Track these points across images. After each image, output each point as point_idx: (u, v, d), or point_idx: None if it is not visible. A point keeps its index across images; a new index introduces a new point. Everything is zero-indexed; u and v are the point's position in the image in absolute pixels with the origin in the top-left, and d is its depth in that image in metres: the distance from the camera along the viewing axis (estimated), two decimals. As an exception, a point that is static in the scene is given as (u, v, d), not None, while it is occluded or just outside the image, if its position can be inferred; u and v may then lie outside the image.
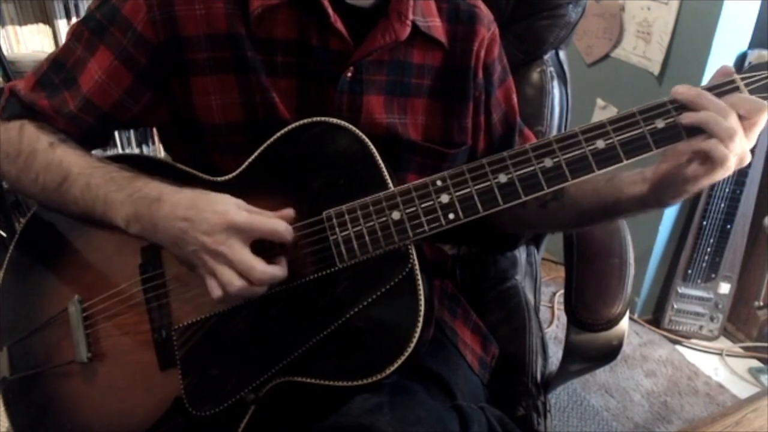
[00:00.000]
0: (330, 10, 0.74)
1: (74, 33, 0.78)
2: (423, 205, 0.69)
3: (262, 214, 0.69)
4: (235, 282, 0.65)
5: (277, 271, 0.67)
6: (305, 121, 0.74)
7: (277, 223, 0.67)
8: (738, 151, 0.65)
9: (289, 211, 0.70)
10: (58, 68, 0.78)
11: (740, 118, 0.65)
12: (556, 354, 1.34)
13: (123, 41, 0.74)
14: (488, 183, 0.69)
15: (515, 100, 0.92)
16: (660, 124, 0.66)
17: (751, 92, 0.66)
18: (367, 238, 0.69)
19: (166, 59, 0.75)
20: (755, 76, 0.66)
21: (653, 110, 0.67)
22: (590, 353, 0.95)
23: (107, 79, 0.76)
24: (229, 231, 0.65)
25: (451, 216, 0.69)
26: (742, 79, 0.66)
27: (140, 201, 0.68)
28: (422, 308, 0.68)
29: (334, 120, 0.73)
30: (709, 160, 0.65)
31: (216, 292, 0.67)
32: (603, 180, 0.78)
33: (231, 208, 0.66)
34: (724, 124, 0.63)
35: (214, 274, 0.66)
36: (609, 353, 0.94)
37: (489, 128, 0.89)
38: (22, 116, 0.77)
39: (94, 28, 0.76)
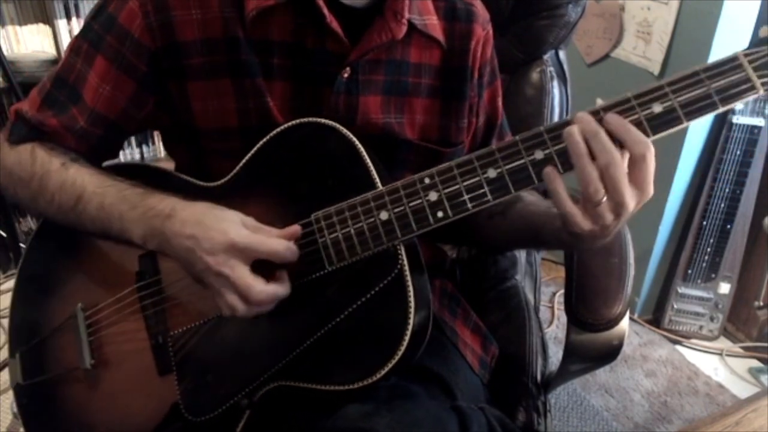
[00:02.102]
0: (326, 11, 0.73)
1: (73, 48, 0.78)
2: (411, 204, 0.67)
3: (266, 232, 0.68)
4: (238, 304, 0.65)
5: (277, 289, 0.67)
6: (295, 122, 0.73)
7: (277, 243, 0.66)
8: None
9: (295, 228, 0.69)
10: (61, 85, 0.78)
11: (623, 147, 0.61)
12: (556, 354, 1.34)
13: (122, 49, 0.74)
14: (477, 178, 0.66)
15: (500, 102, 0.92)
16: (657, 108, 0.63)
17: (755, 69, 0.61)
18: (355, 239, 0.68)
19: (164, 65, 0.75)
20: (760, 51, 0.62)
21: (648, 94, 0.63)
22: (590, 353, 0.95)
23: (111, 89, 0.76)
24: (229, 251, 0.64)
25: (440, 214, 0.67)
26: (746, 55, 0.62)
27: (154, 219, 0.68)
28: (412, 309, 0.67)
29: (323, 120, 0.73)
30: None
31: (225, 312, 0.67)
32: (543, 206, 0.77)
33: (233, 226, 0.66)
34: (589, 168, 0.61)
35: (219, 295, 0.66)
36: (609, 353, 0.93)
37: (475, 130, 0.89)
38: (30, 138, 0.77)
39: (93, 40, 0.76)
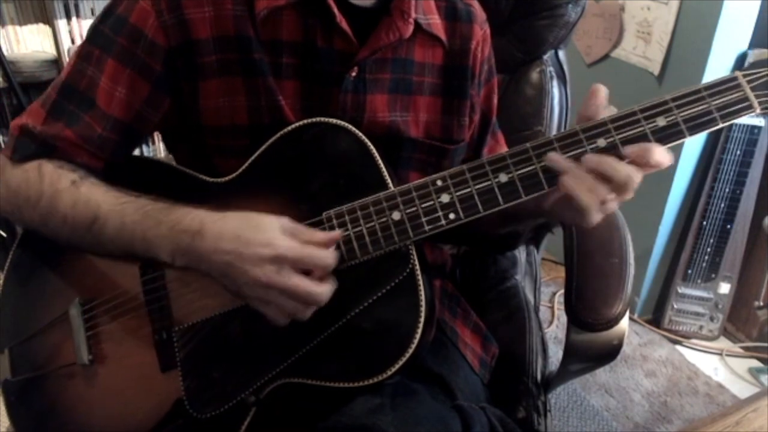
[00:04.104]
0: (336, 10, 0.73)
1: (81, 54, 0.75)
2: (423, 205, 0.69)
3: (307, 235, 0.66)
4: (302, 310, 0.65)
5: (331, 285, 0.66)
6: (305, 121, 0.74)
7: (327, 256, 0.65)
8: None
9: (336, 234, 0.68)
10: (69, 94, 0.75)
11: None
12: (556, 354, 1.34)
13: (135, 50, 0.73)
14: (489, 182, 0.68)
15: (495, 101, 0.93)
16: (661, 122, 0.66)
17: (753, 89, 0.66)
18: (367, 238, 0.69)
19: (179, 63, 0.74)
20: (757, 73, 0.66)
21: (653, 108, 0.67)
22: (590, 353, 0.94)
23: (125, 92, 0.73)
24: (277, 262, 0.63)
25: (452, 216, 0.69)
26: (744, 76, 0.66)
27: (182, 235, 0.65)
28: (423, 308, 0.68)
29: (334, 120, 0.73)
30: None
31: (281, 321, 0.66)
32: None
33: (276, 236, 0.64)
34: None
35: (274, 304, 0.65)
36: (609, 353, 0.93)
37: (473, 127, 0.90)
38: (37, 155, 0.73)
39: (103, 44, 0.74)
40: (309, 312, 0.66)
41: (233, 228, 0.64)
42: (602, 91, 0.68)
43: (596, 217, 0.67)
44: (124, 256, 0.71)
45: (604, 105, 0.68)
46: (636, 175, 0.64)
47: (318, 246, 0.65)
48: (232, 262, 0.63)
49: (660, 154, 0.65)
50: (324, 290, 0.65)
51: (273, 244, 0.63)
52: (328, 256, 0.65)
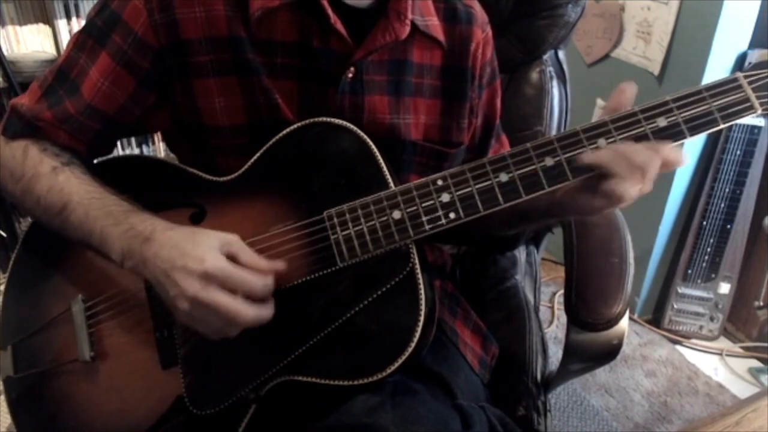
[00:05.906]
0: (330, 11, 0.74)
1: (76, 42, 0.78)
2: (424, 205, 0.69)
3: (248, 262, 0.66)
4: (227, 328, 0.66)
5: (262, 311, 0.66)
6: (307, 121, 0.74)
7: (254, 281, 0.66)
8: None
9: (280, 265, 0.69)
10: (62, 79, 0.78)
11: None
12: (556, 354, 1.34)
13: (124, 46, 0.74)
14: (489, 182, 0.69)
15: (498, 104, 0.93)
16: (662, 122, 0.66)
17: (754, 90, 0.66)
18: (367, 237, 0.69)
19: (168, 63, 0.75)
20: (758, 74, 0.66)
21: (653, 109, 0.67)
22: (590, 353, 0.95)
23: (110, 85, 0.76)
24: (203, 279, 0.63)
25: (452, 215, 0.69)
26: (746, 77, 0.66)
27: (133, 239, 0.68)
28: (423, 307, 0.68)
29: (336, 120, 0.74)
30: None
31: (212, 336, 0.67)
32: None
33: (209, 253, 0.65)
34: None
35: (200, 319, 0.66)
36: (609, 353, 0.94)
37: (474, 130, 0.90)
38: (24, 134, 0.77)
39: (96, 36, 0.76)
40: (235, 331, 0.66)
41: (175, 239, 0.66)
42: (632, 88, 0.69)
43: (617, 206, 0.68)
44: (83, 246, 0.73)
45: (631, 102, 0.69)
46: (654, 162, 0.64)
47: (252, 271, 0.66)
48: (167, 271, 0.65)
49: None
50: (249, 311, 0.65)
51: (204, 260, 0.64)
52: (256, 282, 0.66)
